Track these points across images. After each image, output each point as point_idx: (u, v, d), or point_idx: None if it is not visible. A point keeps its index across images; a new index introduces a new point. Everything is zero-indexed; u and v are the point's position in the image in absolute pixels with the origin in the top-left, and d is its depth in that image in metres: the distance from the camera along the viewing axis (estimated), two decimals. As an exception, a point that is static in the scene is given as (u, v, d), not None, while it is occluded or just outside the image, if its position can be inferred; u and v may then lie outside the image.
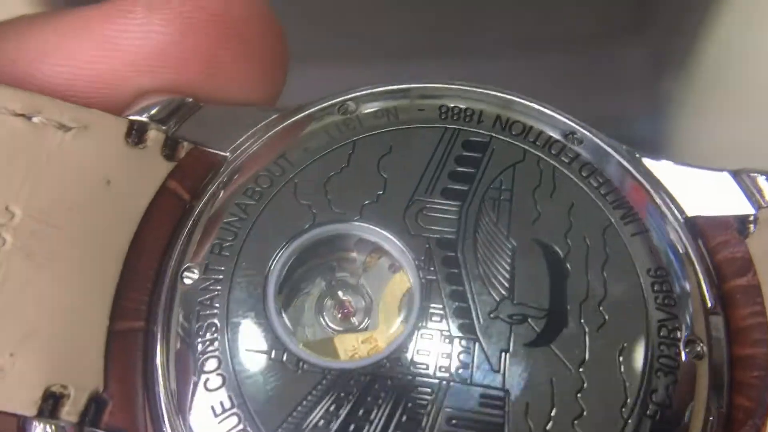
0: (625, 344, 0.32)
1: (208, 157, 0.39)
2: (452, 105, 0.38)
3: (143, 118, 0.38)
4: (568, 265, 0.34)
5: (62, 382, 0.32)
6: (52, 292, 0.33)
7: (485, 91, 0.39)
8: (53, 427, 0.31)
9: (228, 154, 0.39)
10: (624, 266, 0.33)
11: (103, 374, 0.33)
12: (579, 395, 0.31)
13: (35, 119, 0.36)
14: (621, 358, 0.32)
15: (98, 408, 0.32)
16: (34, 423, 0.31)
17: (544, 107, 0.39)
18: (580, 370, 0.32)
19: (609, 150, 0.37)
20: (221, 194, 0.37)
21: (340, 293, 0.36)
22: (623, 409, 0.31)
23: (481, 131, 0.37)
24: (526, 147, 0.36)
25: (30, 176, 0.34)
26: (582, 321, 0.32)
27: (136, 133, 0.37)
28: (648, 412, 0.31)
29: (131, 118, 0.38)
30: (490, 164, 0.36)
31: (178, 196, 0.37)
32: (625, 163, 0.36)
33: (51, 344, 0.32)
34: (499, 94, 0.39)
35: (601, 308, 0.33)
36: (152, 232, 0.36)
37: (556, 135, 0.37)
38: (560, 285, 0.33)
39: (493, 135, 0.37)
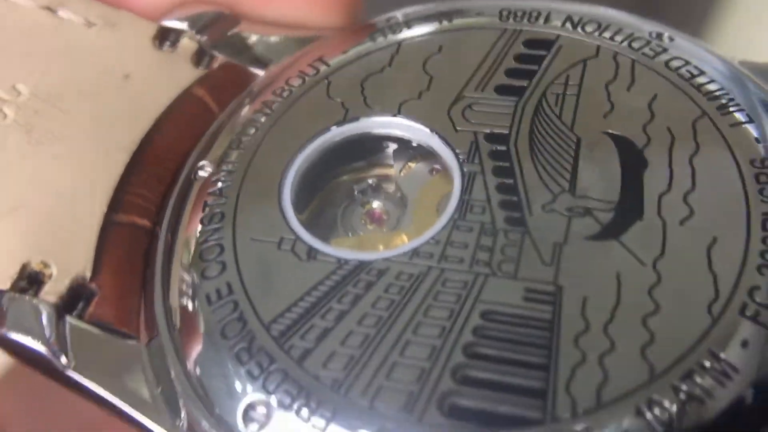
0: (718, 237, 0.27)
1: (241, 73, 0.38)
2: (515, 7, 0.36)
3: (176, 23, 0.38)
4: (645, 156, 0.30)
5: (44, 259, 0.30)
6: (48, 170, 0.33)
7: None
8: (31, 305, 0.29)
9: (263, 73, 0.38)
10: (719, 157, 0.30)
11: (92, 262, 0.31)
12: (653, 291, 0.27)
13: (60, 13, 0.36)
14: (711, 252, 0.27)
15: (85, 297, 0.30)
16: (9, 296, 0.29)
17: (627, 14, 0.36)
18: (656, 264, 0.27)
19: (704, 52, 0.34)
20: (250, 106, 0.36)
21: (372, 200, 0.33)
22: (712, 307, 0.26)
23: (547, 30, 0.35)
24: (601, 43, 0.34)
25: (44, 62, 0.35)
26: (661, 213, 0.28)
27: (167, 39, 0.38)
28: (747, 312, 0.26)
29: (163, 23, 0.38)
30: (555, 60, 0.34)
31: (204, 105, 0.37)
32: (725, 60, 0.33)
33: (37, 222, 0.32)
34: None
35: (686, 201, 0.29)
36: (170, 135, 0.36)
37: (639, 32, 0.34)
38: (634, 177, 0.30)
39: (561, 33, 0.34)
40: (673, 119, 0.32)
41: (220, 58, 0.39)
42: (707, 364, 0.26)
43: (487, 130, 0.33)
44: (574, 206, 0.30)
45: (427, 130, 0.33)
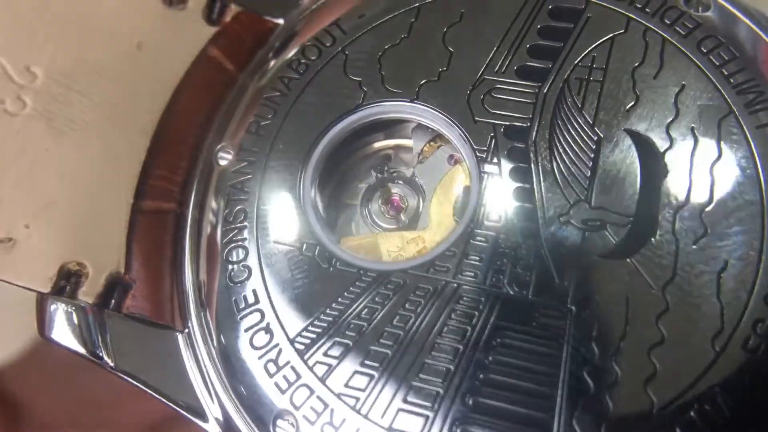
0: (729, 262, 0.27)
1: (258, 23, 0.36)
2: None
3: (184, -25, 0.35)
4: (666, 163, 0.28)
5: (79, 259, 0.31)
6: (73, 163, 0.32)
7: None
8: (72, 307, 0.30)
9: (281, 21, 0.36)
10: (742, 165, 0.28)
11: (125, 255, 0.31)
12: (660, 319, 0.27)
13: (67, -27, 0.34)
14: (721, 279, 0.27)
15: (120, 291, 0.31)
16: (50, 301, 0.30)
17: None
18: (665, 289, 0.27)
19: (744, 18, 0.31)
20: (267, 66, 0.34)
21: (390, 186, 0.33)
22: (716, 340, 0.26)
23: None
24: (632, 15, 0.31)
25: (54, 33, 0.33)
26: (675, 232, 0.28)
27: (175, -8, 0.35)
28: (749, 345, 0.26)
29: (171, -25, 0.35)
30: (581, 37, 0.31)
31: (220, 67, 0.35)
32: (765, 36, 0.30)
33: (69, 219, 0.32)
34: None
35: (702, 217, 0.28)
36: (187, 105, 0.34)
37: (674, 0, 0.31)
38: (653, 187, 0.29)
39: (591, 0, 0.31)
40: (698, 117, 0.30)
41: (232, 8, 0.37)
42: (707, 399, 0.27)
43: (507, 123, 0.31)
44: (589, 218, 0.30)
45: (446, 119, 0.32)
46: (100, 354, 0.32)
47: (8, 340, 0.40)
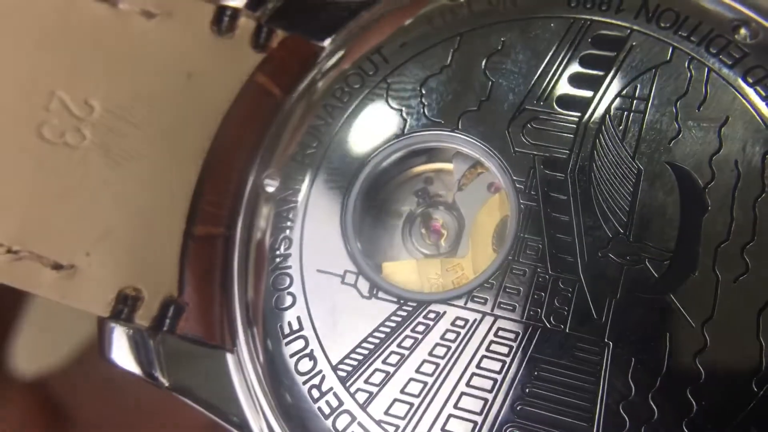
0: None
1: (303, 48, 0.35)
2: None
3: (233, 3, 0.35)
4: (707, 198, 0.27)
5: (136, 284, 0.32)
6: (129, 192, 0.33)
7: None
8: (129, 330, 0.31)
9: (326, 45, 0.35)
10: None
11: (177, 279, 0.32)
12: (698, 357, 0.26)
13: (120, 5, 0.34)
14: (761, 317, 0.26)
15: (174, 314, 0.31)
16: (111, 325, 0.31)
17: None
18: (705, 327, 0.26)
19: None
20: (312, 92, 0.34)
21: (431, 212, 0.32)
22: (755, 380, 0.25)
23: (619, 22, 0.30)
24: (676, 44, 0.29)
25: (111, 67, 0.33)
26: (716, 268, 0.27)
27: (224, 20, 0.35)
28: None
29: (220, 3, 0.35)
30: (624, 66, 0.30)
31: (267, 92, 0.35)
32: None
33: (126, 246, 0.32)
34: None
35: (744, 254, 0.26)
36: (236, 131, 0.35)
37: (720, 26, 0.29)
38: (693, 222, 0.28)
39: (634, 28, 0.30)
40: (742, 150, 0.29)
41: (279, 34, 0.36)
42: None
43: (547, 154, 0.31)
44: (629, 253, 0.29)
45: (486, 149, 0.31)
46: (156, 374, 0.32)
47: (56, 347, 0.42)
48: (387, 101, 0.33)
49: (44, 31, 0.34)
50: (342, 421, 0.29)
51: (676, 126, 0.29)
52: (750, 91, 0.29)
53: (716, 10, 0.31)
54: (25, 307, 0.42)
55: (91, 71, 0.34)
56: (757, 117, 0.29)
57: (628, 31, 0.31)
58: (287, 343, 0.31)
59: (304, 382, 0.30)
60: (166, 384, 0.32)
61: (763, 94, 0.29)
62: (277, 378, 0.31)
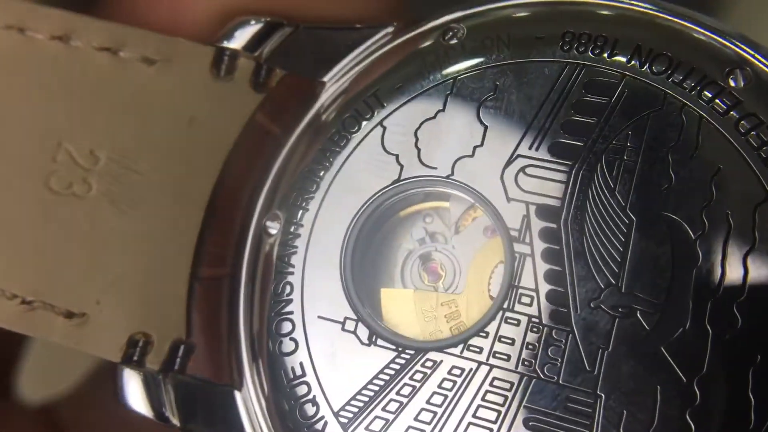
0: (761, 358, 0.26)
1: (302, 85, 0.35)
2: (579, 31, 0.30)
3: (231, 45, 0.35)
4: (698, 250, 0.27)
5: (145, 329, 0.32)
6: (136, 239, 0.33)
7: (628, 5, 0.31)
8: (140, 374, 0.32)
9: (325, 80, 0.35)
10: None
11: (185, 322, 0.32)
12: (689, 412, 0.26)
13: (121, 54, 0.34)
14: (752, 374, 0.26)
15: (183, 355, 0.32)
16: (123, 369, 0.32)
17: (711, 26, 0.30)
18: (696, 381, 0.26)
19: None
20: (311, 132, 0.34)
21: (430, 253, 0.32)
22: None
23: (611, 69, 0.30)
24: (668, 90, 0.29)
25: (114, 116, 0.34)
26: (707, 322, 0.26)
27: (223, 63, 0.35)
28: None
29: (219, 45, 0.35)
30: (616, 112, 0.30)
31: (267, 132, 0.35)
32: None
33: (135, 292, 0.33)
34: (647, 7, 0.31)
35: (735, 308, 0.26)
36: (238, 173, 0.35)
37: (714, 72, 0.29)
38: (684, 274, 0.27)
39: (627, 74, 0.30)
40: (734, 202, 0.28)
41: (277, 72, 0.36)
42: None
43: (540, 202, 0.30)
44: (620, 305, 0.29)
45: (480, 196, 0.31)
46: (167, 415, 0.33)
47: (62, 375, 0.42)
48: (383, 145, 0.32)
49: (48, 82, 0.34)
50: (344, 467, 0.30)
51: (669, 176, 0.29)
52: (741, 141, 0.29)
53: (710, 54, 0.30)
54: (30, 336, 0.42)
55: (95, 121, 0.34)
56: (749, 168, 0.28)
57: (621, 76, 0.30)
58: (291, 388, 0.31)
59: (308, 427, 0.31)
60: (178, 425, 0.33)
61: (755, 145, 0.28)
62: (283, 421, 0.32)
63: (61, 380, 0.43)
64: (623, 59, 0.30)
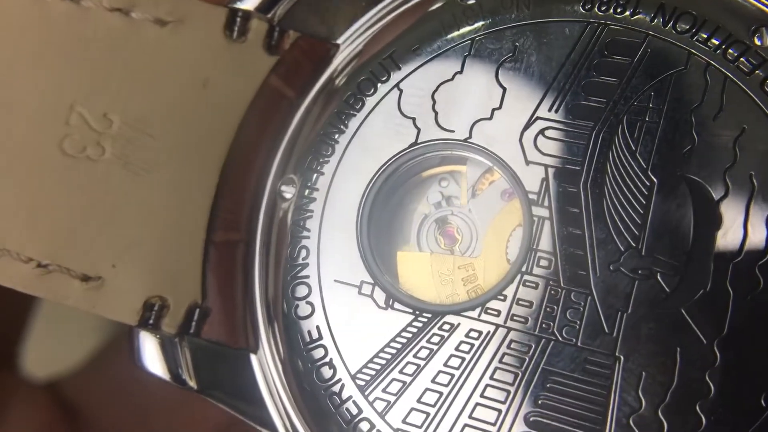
0: None
1: (316, 48, 0.34)
2: None
3: (244, 6, 0.34)
4: (721, 212, 0.26)
5: (161, 293, 0.32)
6: (151, 203, 0.33)
7: None
8: (157, 337, 0.31)
9: (339, 43, 0.34)
10: None
11: (201, 286, 0.32)
12: (708, 373, 0.25)
13: (133, 14, 0.33)
14: None
15: (199, 318, 0.32)
16: (140, 333, 0.31)
17: None
18: (716, 343, 0.26)
19: None
20: (325, 95, 0.33)
21: (446, 217, 0.32)
22: (764, 397, 0.25)
23: (635, 27, 0.29)
24: (692, 50, 0.28)
25: (127, 79, 0.33)
26: (728, 284, 0.26)
27: (236, 24, 0.34)
28: None
29: (232, 6, 0.34)
30: (638, 73, 0.29)
31: (281, 95, 0.34)
32: None
33: (150, 256, 0.32)
34: None
35: (757, 270, 0.26)
36: (252, 137, 0.34)
37: (739, 30, 0.28)
38: (706, 236, 0.27)
39: (650, 33, 0.29)
40: (757, 164, 0.28)
41: (291, 35, 0.35)
42: None
43: (559, 165, 0.30)
44: (640, 267, 0.28)
45: (499, 159, 0.30)
46: (183, 377, 0.33)
47: (71, 351, 0.42)
48: (399, 109, 0.32)
49: (61, 44, 0.33)
50: (361, 429, 0.30)
51: (691, 137, 0.28)
52: (767, 100, 0.28)
53: (736, 12, 0.29)
54: (36, 311, 0.42)
55: (108, 84, 0.33)
56: None
57: (644, 35, 0.29)
58: (307, 351, 0.31)
59: (325, 390, 0.30)
60: (195, 387, 0.32)
61: None
62: (299, 383, 0.31)
63: (66, 356, 0.42)
64: (646, 18, 0.29)
